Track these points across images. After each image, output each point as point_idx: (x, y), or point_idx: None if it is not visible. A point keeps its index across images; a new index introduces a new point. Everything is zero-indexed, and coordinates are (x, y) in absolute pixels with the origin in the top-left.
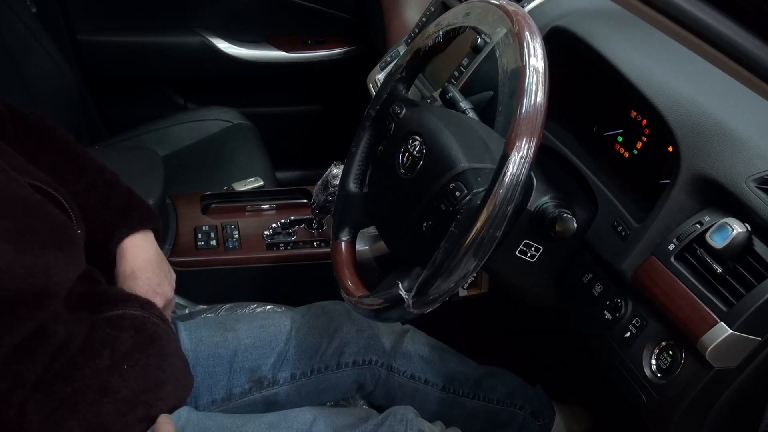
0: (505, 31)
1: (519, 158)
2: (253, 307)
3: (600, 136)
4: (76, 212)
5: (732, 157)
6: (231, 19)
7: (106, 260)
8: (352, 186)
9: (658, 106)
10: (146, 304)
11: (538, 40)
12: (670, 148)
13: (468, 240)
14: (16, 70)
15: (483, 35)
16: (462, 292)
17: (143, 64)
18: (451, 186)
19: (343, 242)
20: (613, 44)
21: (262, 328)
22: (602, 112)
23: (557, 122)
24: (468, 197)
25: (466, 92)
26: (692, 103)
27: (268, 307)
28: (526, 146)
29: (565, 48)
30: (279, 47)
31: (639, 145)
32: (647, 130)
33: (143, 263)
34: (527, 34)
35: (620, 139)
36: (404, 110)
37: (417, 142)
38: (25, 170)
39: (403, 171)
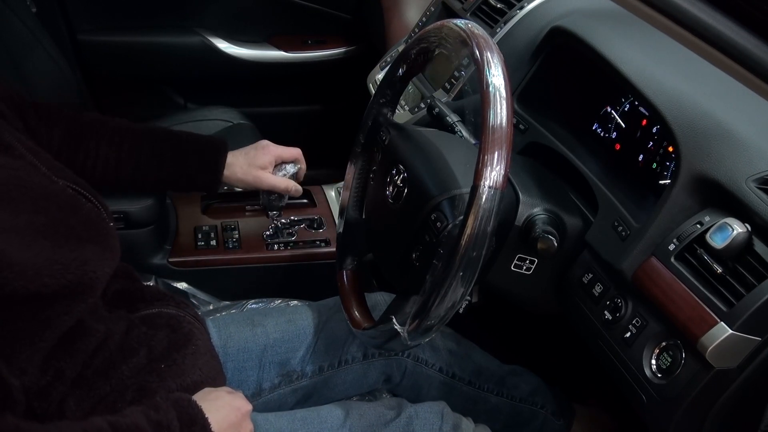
0: (467, 54)
1: (488, 189)
2: (278, 302)
3: (600, 136)
4: (105, 206)
5: (732, 157)
6: (231, 19)
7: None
8: (352, 213)
9: (658, 106)
10: (181, 303)
11: (499, 64)
12: (670, 148)
13: (452, 271)
14: (16, 70)
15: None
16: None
17: (143, 64)
18: (432, 217)
19: (347, 271)
20: (613, 44)
21: (290, 323)
22: (602, 112)
23: (557, 122)
24: (448, 227)
25: (460, 97)
26: (692, 103)
27: (293, 302)
28: (494, 175)
29: (565, 48)
30: (279, 47)
31: (639, 145)
32: (647, 131)
33: (254, 152)
34: (487, 55)
35: (620, 139)
36: (389, 136)
37: (401, 172)
38: (52, 167)
39: (391, 200)
